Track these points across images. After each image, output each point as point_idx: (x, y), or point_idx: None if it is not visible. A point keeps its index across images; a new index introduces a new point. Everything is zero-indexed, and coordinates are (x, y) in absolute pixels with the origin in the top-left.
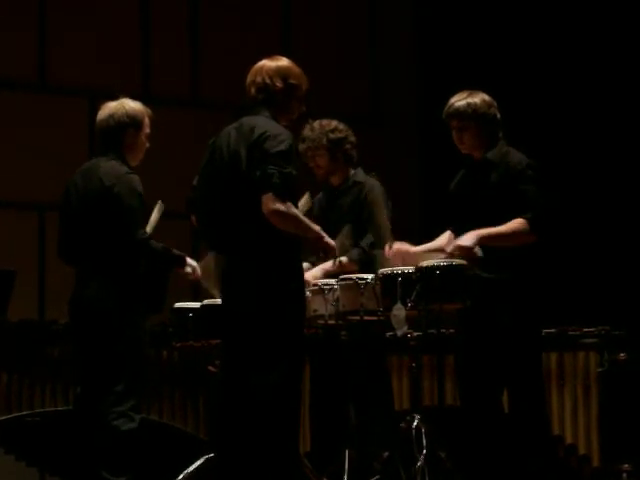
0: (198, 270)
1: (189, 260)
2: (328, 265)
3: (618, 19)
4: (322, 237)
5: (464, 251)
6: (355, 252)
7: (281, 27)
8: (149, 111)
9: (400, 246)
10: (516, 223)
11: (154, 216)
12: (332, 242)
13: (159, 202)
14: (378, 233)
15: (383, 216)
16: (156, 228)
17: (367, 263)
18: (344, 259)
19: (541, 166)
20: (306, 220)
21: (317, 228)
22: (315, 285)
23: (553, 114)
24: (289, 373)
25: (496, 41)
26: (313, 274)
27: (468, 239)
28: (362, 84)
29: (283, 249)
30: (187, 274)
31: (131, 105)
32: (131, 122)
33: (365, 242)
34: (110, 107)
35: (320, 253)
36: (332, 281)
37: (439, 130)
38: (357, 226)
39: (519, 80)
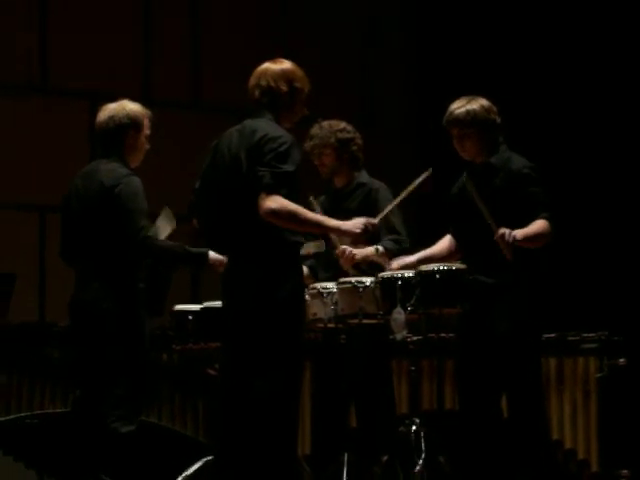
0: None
1: (212, 254)
2: (369, 251)
3: (615, 22)
4: (344, 230)
5: (512, 239)
6: (389, 243)
7: (281, 30)
8: (149, 112)
9: (399, 261)
10: (542, 223)
11: (161, 221)
12: (358, 227)
13: (165, 207)
14: (401, 230)
15: (398, 214)
16: (166, 236)
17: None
18: (381, 248)
19: (541, 169)
20: (315, 215)
21: (335, 223)
22: (314, 288)
23: (551, 117)
24: (288, 376)
25: (493, 44)
26: (358, 251)
27: (520, 234)
28: (360, 86)
29: (283, 252)
30: (214, 267)
31: (131, 107)
32: (131, 123)
33: (391, 241)
34: (110, 109)
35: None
36: (331, 284)
37: (436, 133)
38: None
39: (516, 83)
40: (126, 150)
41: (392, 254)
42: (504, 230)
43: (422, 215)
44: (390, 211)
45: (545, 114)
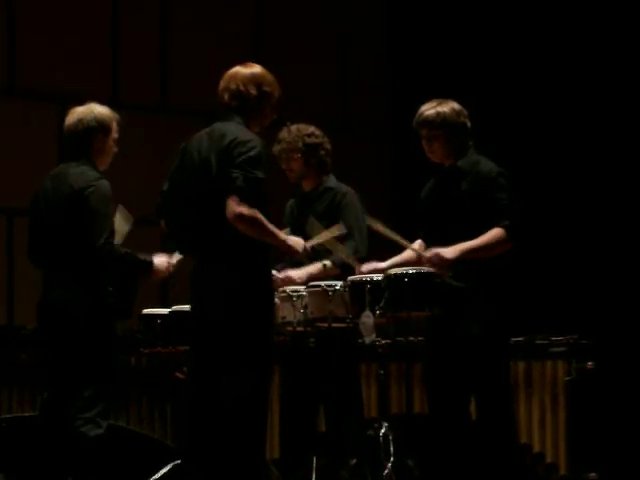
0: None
1: (156, 260)
2: (314, 269)
3: (582, 25)
4: (288, 245)
5: (443, 262)
6: (338, 257)
7: (251, 33)
8: (117, 116)
9: (369, 266)
10: (494, 233)
11: (117, 222)
12: (299, 246)
13: (119, 206)
14: (359, 237)
15: (361, 221)
16: (125, 234)
17: (349, 269)
18: (328, 263)
19: (510, 174)
20: (272, 227)
21: (283, 236)
22: (283, 292)
23: (521, 122)
24: (257, 380)
25: (465, 49)
26: (298, 274)
27: (451, 252)
28: (332, 89)
29: (252, 255)
30: (157, 273)
31: (99, 110)
32: (100, 127)
33: (348, 247)
34: (78, 112)
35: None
36: (300, 288)
37: (410, 137)
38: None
39: (488, 87)
40: (94, 153)
41: (344, 268)
42: (431, 256)
43: (394, 220)
44: (353, 218)
45: (515, 119)
